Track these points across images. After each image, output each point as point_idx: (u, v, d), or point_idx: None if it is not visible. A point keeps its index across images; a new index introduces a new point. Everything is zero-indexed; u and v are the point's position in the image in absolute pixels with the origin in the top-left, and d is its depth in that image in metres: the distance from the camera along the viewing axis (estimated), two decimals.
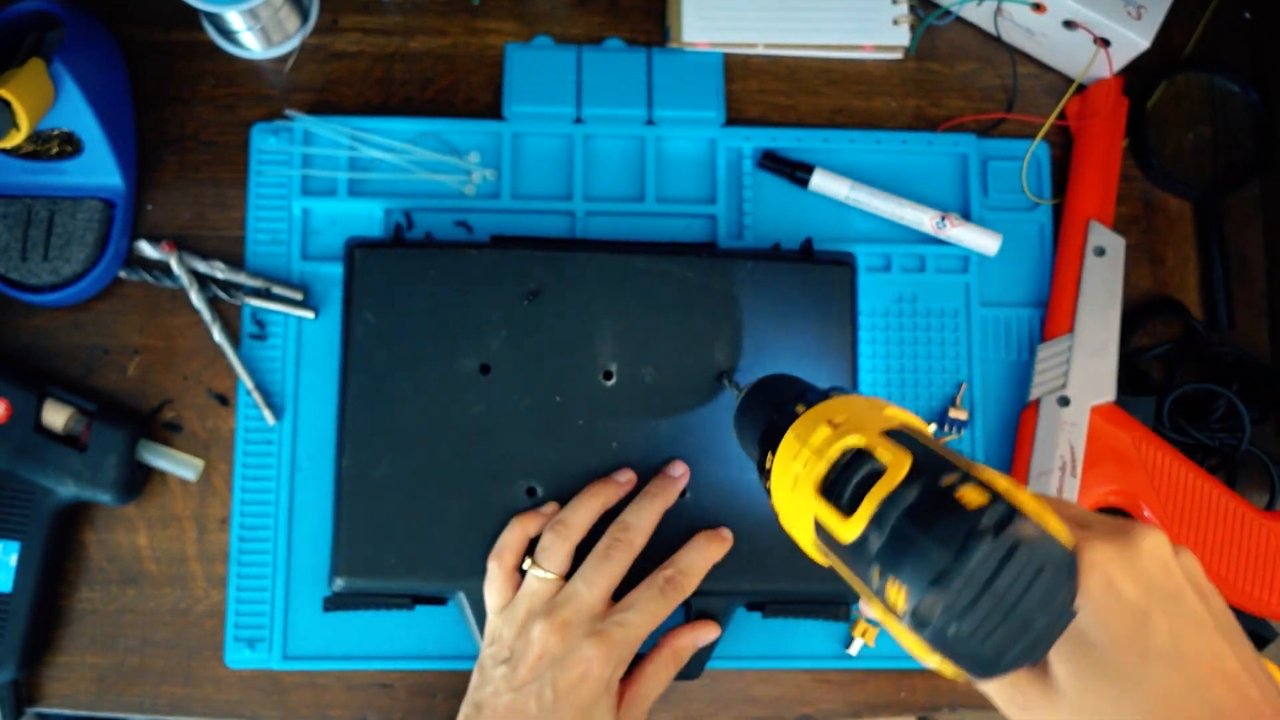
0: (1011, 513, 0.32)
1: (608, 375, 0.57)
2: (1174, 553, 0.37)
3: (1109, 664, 0.35)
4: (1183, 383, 0.64)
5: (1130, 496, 0.60)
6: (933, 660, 0.34)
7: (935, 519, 0.33)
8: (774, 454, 0.42)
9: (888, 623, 0.35)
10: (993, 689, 0.37)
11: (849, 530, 0.36)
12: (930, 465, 0.35)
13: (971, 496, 0.33)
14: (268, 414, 0.60)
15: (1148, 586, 0.35)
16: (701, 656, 0.56)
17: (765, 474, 0.44)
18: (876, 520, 0.35)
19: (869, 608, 0.37)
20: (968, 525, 0.32)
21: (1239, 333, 0.67)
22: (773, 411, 0.44)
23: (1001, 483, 0.34)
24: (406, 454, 0.56)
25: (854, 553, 0.36)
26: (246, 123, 0.63)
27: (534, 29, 0.66)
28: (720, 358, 0.58)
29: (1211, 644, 0.35)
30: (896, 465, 0.35)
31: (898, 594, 0.33)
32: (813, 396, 0.43)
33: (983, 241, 0.63)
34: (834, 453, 0.38)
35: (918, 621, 0.33)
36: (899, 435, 0.37)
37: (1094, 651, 0.35)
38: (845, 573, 0.37)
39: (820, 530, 0.38)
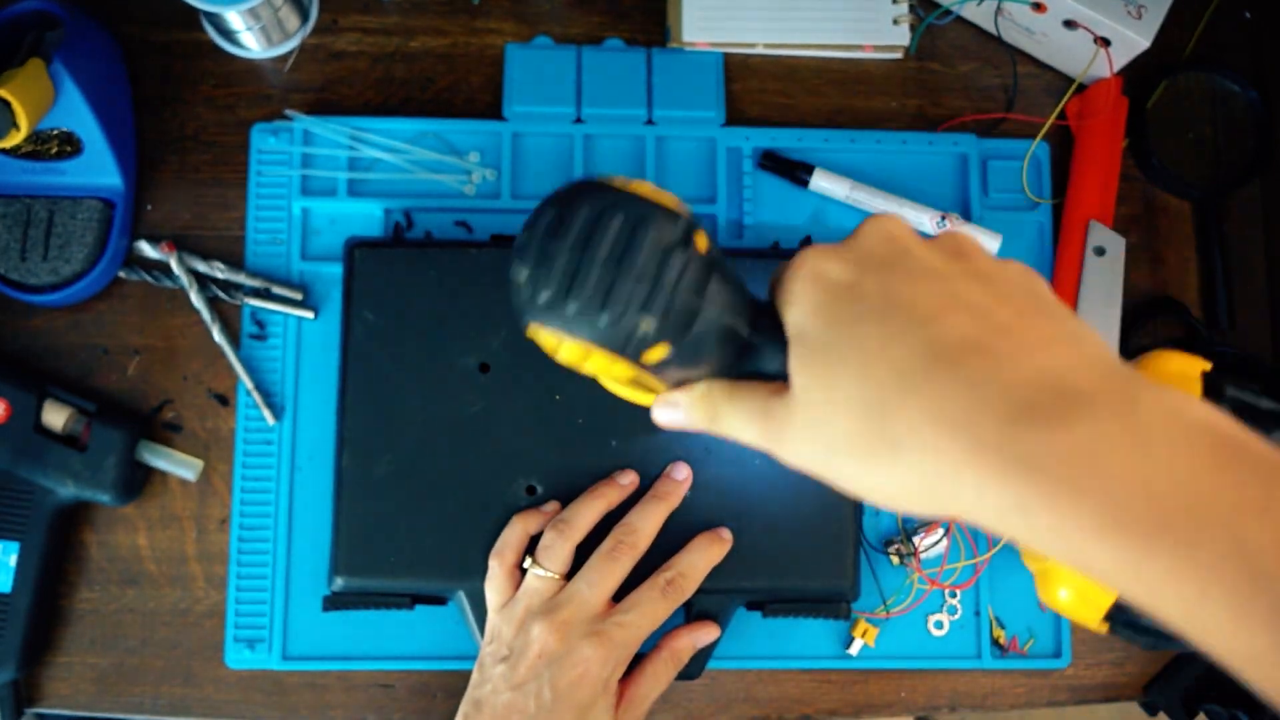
0: (601, 185, 0.33)
1: None
2: (912, 230, 0.34)
3: (823, 345, 0.32)
4: None
5: None
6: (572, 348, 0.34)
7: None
8: None
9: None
10: (746, 425, 0.35)
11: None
12: None
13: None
14: (267, 414, 0.60)
15: (859, 261, 0.33)
16: (701, 657, 0.55)
17: None
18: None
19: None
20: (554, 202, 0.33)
21: (1239, 332, 0.66)
22: None
23: (617, 180, 0.34)
24: (406, 453, 0.56)
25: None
26: (246, 123, 0.63)
27: (534, 29, 0.66)
28: None
29: (940, 285, 0.32)
30: None
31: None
32: None
33: (983, 241, 0.63)
34: None
35: (528, 301, 0.34)
36: None
37: (809, 341, 0.33)
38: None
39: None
